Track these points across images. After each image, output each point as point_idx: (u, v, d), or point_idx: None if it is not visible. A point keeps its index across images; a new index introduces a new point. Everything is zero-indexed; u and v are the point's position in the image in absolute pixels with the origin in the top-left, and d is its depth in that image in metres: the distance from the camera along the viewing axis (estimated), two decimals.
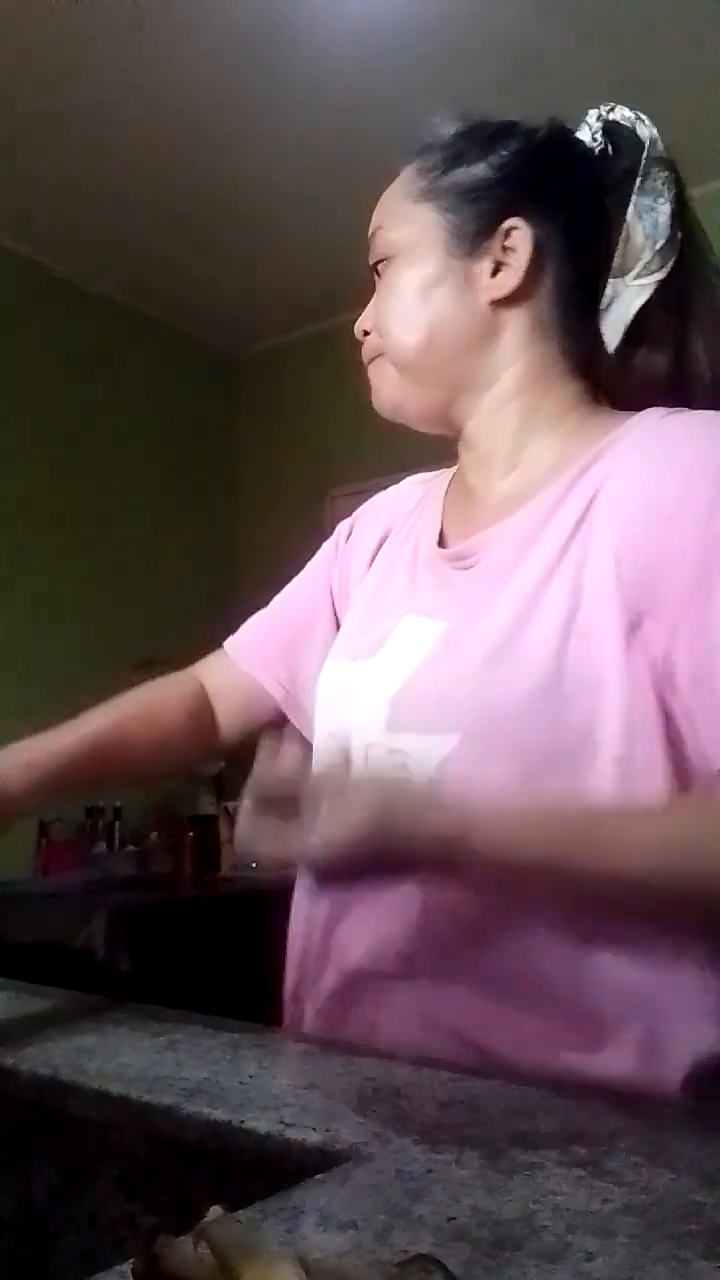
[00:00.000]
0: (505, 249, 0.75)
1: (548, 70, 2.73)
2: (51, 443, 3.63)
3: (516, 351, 0.76)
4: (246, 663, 0.99)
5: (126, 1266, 0.36)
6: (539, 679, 0.67)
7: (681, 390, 0.75)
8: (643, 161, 0.75)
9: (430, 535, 0.86)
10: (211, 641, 1.07)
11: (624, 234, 0.74)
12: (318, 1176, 0.49)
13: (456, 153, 0.77)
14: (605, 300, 0.76)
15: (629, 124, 0.77)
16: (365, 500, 1.02)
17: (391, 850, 0.62)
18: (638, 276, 0.74)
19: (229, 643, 1.02)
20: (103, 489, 3.75)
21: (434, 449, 0.92)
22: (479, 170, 0.76)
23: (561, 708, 0.66)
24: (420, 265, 0.77)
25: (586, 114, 0.79)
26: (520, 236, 0.74)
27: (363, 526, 0.98)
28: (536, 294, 0.75)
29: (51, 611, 3.54)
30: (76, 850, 3.31)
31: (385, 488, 1.00)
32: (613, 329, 0.76)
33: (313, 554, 1.05)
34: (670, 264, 0.74)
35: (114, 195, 3.28)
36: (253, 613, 1.06)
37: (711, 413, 0.70)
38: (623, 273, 0.74)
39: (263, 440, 4.23)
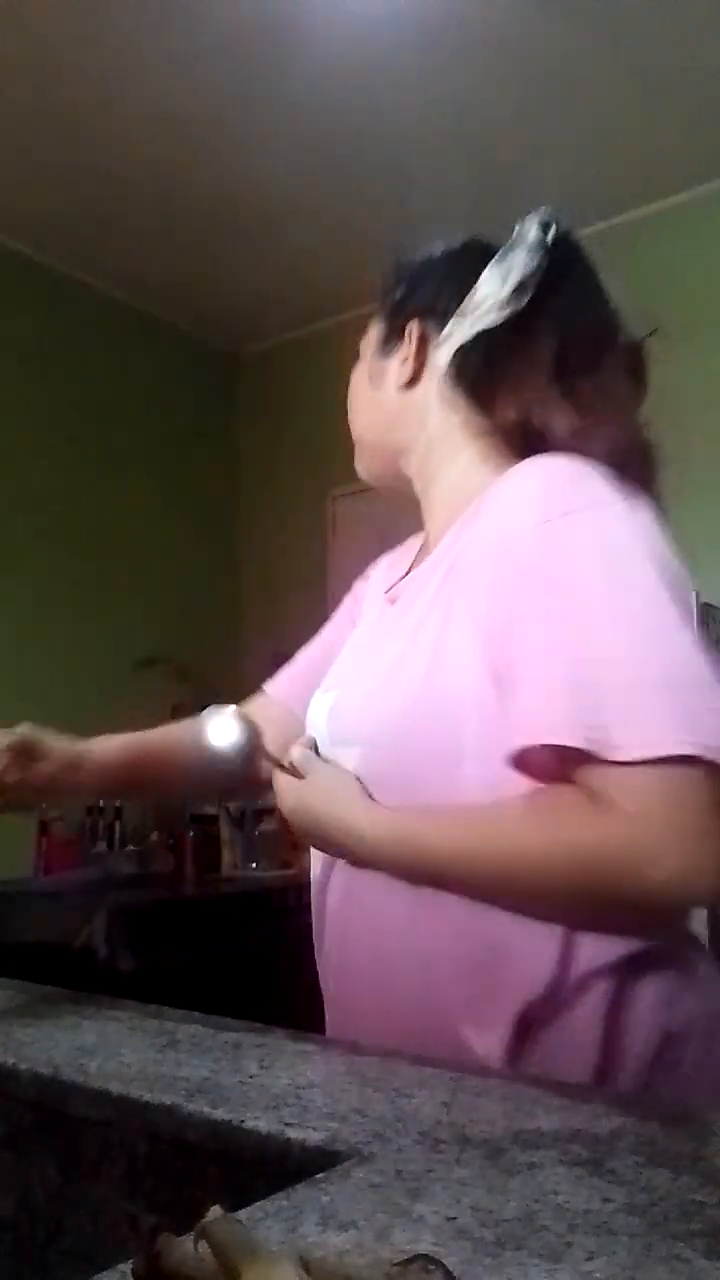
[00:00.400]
0: (408, 347, 0.93)
1: (548, 70, 2.73)
2: (51, 443, 3.63)
3: (427, 422, 0.93)
4: (290, 699, 1.12)
5: (127, 1266, 0.36)
6: (411, 704, 0.80)
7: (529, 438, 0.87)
8: (502, 248, 0.87)
9: (395, 578, 1.02)
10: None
11: (471, 292, 0.87)
12: (318, 1176, 0.49)
13: (392, 281, 0.98)
14: (444, 336, 0.89)
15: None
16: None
17: (303, 834, 0.86)
18: (472, 323, 0.87)
19: (267, 685, 1.17)
20: (103, 489, 3.75)
21: None
22: (399, 292, 0.96)
23: (429, 729, 0.78)
24: (361, 367, 1.00)
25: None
26: (414, 336, 0.93)
27: (374, 576, 1.12)
28: (434, 377, 0.92)
29: (52, 611, 3.54)
30: (77, 850, 3.31)
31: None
32: (444, 360, 0.89)
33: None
34: (503, 316, 0.85)
35: (114, 194, 3.28)
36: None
37: (537, 463, 0.80)
38: (461, 317, 0.88)
39: (263, 440, 4.23)
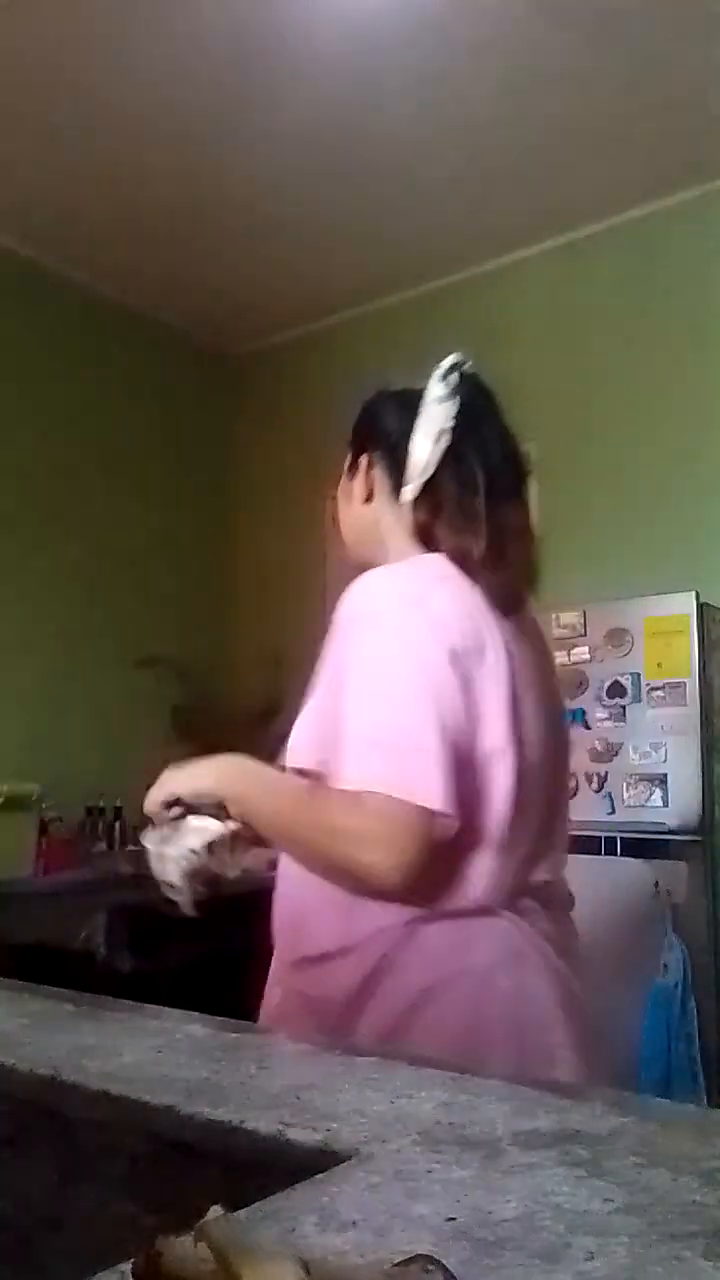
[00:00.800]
0: (362, 472, 1.22)
1: (548, 68, 2.73)
2: (50, 443, 3.62)
3: (378, 527, 1.20)
4: None
5: (127, 1266, 0.36)
6: (298, 739, 1.08)
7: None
8: (423, 405, 1.13)
9: None
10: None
11: (409, 455, 1.14)
12: (318, 1176, 0.49)
13: (356, 418, 1.25)
14: (404, 495, 1.16)
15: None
16: None
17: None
18: (418, 482, 1.13)
19: None
20: (101, 489, 3.74)
21: None
22: (358, 428, 1.25)
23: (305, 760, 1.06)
24: (342, 486, 1.27)
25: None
26: (364, 463, 1.22)
27: None
28: (381, 495, 1.20)
29: (52, 611, 3.53)
30: (76, 850, 3.31)
31: None
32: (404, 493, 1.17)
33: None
34: (435, 464, 1.11)
35: (112, 194, 3.28)
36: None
37: (379, 568, 1.11)
38: (409, 481, 1.14)
39: (261, 440, 4.23)
